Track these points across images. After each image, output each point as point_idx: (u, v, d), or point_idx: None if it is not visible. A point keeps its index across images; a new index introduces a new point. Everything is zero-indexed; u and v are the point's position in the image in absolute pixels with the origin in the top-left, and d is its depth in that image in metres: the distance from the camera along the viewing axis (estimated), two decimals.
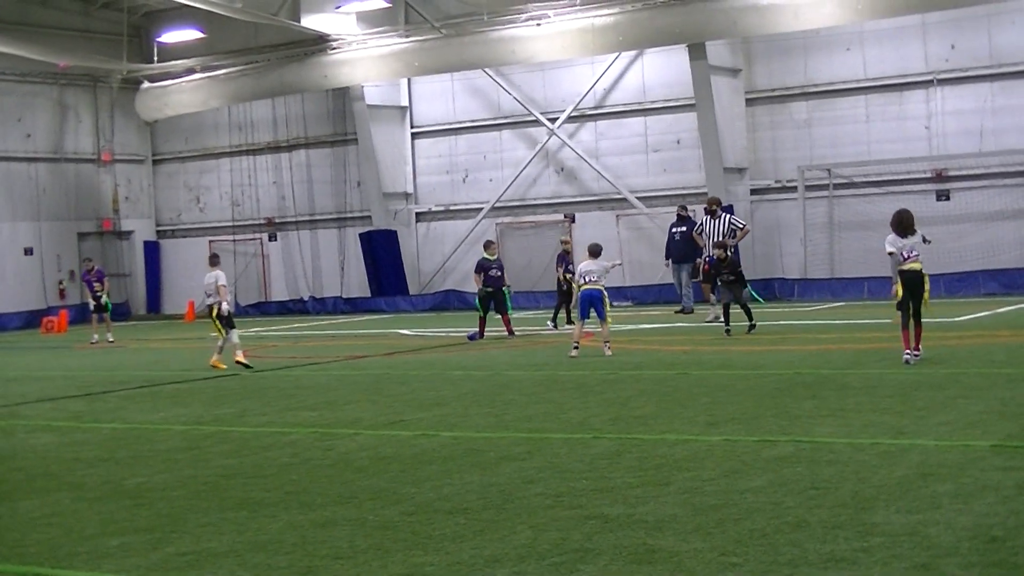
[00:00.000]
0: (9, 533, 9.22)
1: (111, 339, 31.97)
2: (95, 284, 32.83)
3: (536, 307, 37.30)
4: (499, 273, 27.15)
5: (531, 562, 7.58)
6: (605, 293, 21.18)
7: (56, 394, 19.49)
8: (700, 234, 29.21)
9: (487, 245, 28.18)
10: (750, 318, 23.96)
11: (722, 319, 24.20)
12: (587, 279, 21.26)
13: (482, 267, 27.21)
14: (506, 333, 26.55)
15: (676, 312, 31.38)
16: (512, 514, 8.91)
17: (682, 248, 30.90)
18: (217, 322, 22.47)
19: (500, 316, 26.95)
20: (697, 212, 31.21)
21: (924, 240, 17.64)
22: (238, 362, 21.95)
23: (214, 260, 23.84)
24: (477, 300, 27.39)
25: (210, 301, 22.63)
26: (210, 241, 46.14)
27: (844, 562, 7.19)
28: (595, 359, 20.30)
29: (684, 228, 30.96)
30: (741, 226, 28.59)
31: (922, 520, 8.04)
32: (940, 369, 16.45)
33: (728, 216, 28.88)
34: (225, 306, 22.47)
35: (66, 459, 12.73)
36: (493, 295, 26.95)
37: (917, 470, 9.70)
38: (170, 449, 12.99)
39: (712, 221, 28.72)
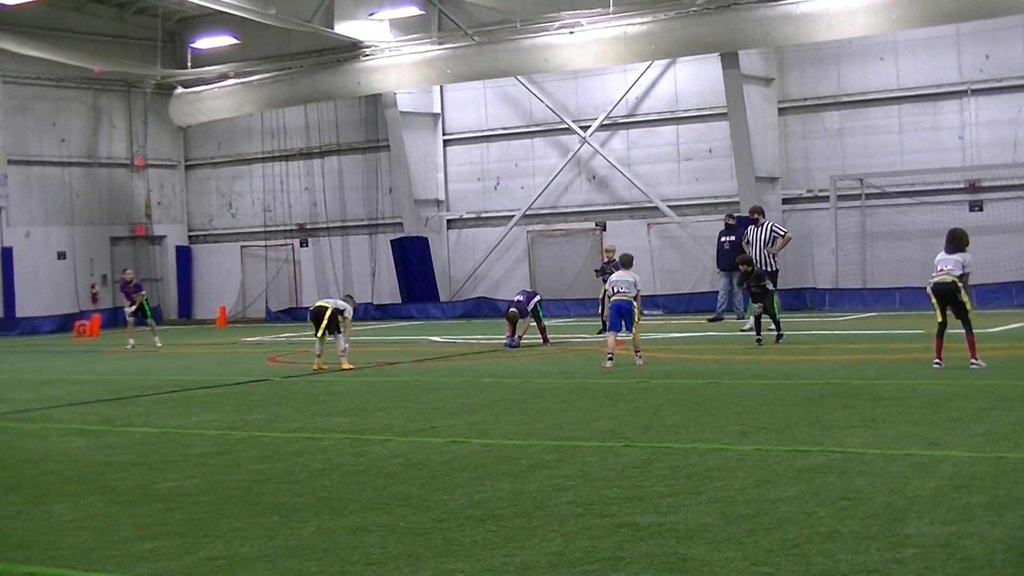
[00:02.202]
0: (42, 536, 9.27)
1: (159, 343, 31.79)
2: (133, 295, 32.57)
3: (566, 315, 37.30)
4: (522, 299, 27.00)
5: (562, 570, 7.58)
6: (635, 304, 21.12)
7: (88, 398, 19.58)
8: (747, 243, 29.25)
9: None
10: (778, 328, 23.99)
11: (760, 328, 24.18)
12: (616, 289, 21.25)
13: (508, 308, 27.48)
14: (540, 341, 26.55)
15: (709, 320, 31.41)
16: (543, 522, 8.91)
17: (731, 256, 31.00)
18: (333, 325, 22.62)
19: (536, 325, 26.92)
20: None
21: (963, 270, 17.79)
22: (343, 368, 22.31)
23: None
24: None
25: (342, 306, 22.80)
26: (242, 247, 46.34)
27: (876, 573, 7.16)
28: (626, 367, 20.28)
29: (733, 237, 31.03)
30: (782, 234, 28.53)
31: (955, 532, 8.01)
32: (973, 380, 16.38)
33: (771, 224, 28.84)
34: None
35: (98, 462, 12.78)
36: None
37: (950, 481, 9.66)
38: (202, 454, 13.03)
39: (756, 229, 28.75)
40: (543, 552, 8.02)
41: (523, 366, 21.88)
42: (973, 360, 17.70)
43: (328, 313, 22.55)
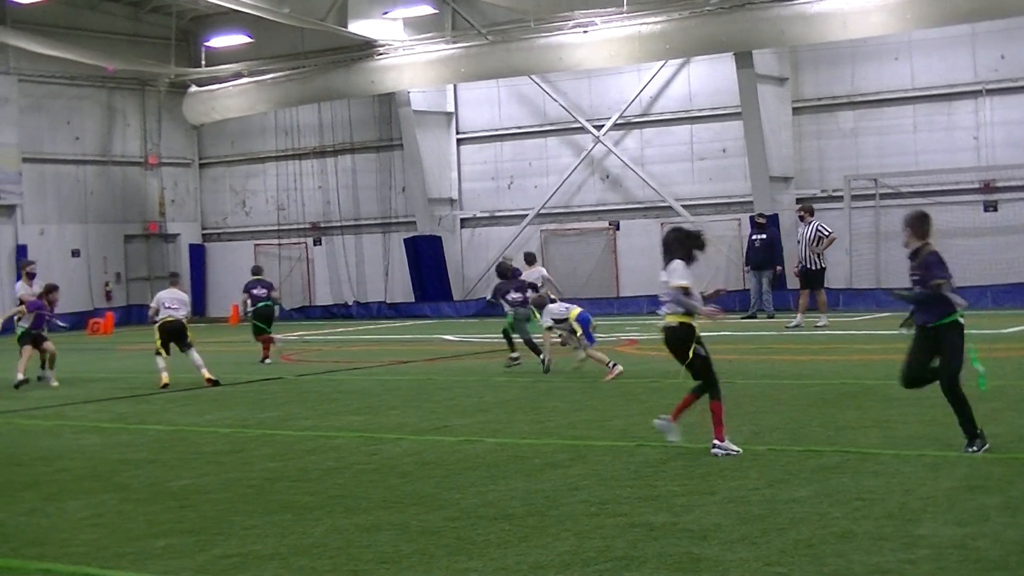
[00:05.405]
0: (57, 533, 9.30)
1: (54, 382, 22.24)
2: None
3: None
4: (265, 292, 26.48)
5: (575, 569, 7.58)
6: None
7: (102, 396, 19.63)
8: (797, 242, 29.33)
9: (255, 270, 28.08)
10: (512, 348, 21.51)
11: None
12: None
13: (248, 287, 26.96)
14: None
15: (744, 318, 31.48)
16: (556, 521, 8.91)
17: (761, 255, 31.23)
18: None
19: (263, 335, 25.86)
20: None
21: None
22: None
23: (175, 279, 23.76)
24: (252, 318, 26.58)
25: (182, 314, 21.48)
26: (255, 245, 46.36)
27: (890, 574, 7.16)
28: (639, 367, 20.25)
29: (764, 236, 31.15)
30: (827, 234, 28.52)
31: (969, 533, 7.99)
32: (987, 381, 16.31)
33: (816, 223, 28.81)
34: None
35: (112, 460, 12.81)
36: (263, 314, 26.20)
37: (964, 482, 9.64)
38: (215, 452, 13.06)
39: (803, 228, 28.79)
40: (556, 551, 8.03)
41: (535, 366, 21.85)
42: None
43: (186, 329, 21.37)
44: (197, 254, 47.69)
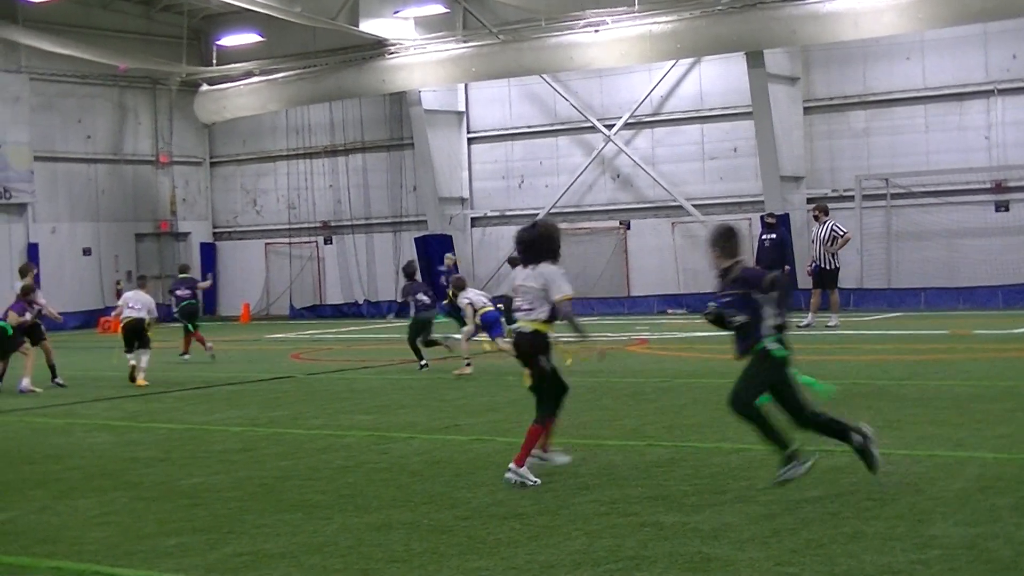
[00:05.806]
0: (67, 531, 9.31)
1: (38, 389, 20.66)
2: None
3: (590, 313, 37.24)
4: (189, 292, 27.15)
5: (586, 568, 7.58)
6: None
7: (112, 394, 19.65)
8: (812, 241, 29.36)
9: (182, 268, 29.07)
10: (420, 357, 22.45)
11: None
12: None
13: (172, 290, 27.75)
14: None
15: None
16: (567, 520, 8.91)
17: (771, 255, 31.13)
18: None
19: (190, 333, 26.57)
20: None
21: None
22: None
23: (142, 281, 23.93)
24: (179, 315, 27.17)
25: (143, 314, 21.84)
26: (266, 244, 46.42)
27: (901, 574, 7.14)
28: (649, 366, 20.23)
29: (774, 235, 31.13)
30: (842, 233, 28.50)
31: (981, 533, 7.98)
32: (997, 382, 16.31)
33: (831, 223, 28.78)
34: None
35: (123, 458, 12.83)
36: (187, 312, 26.86)
37: (975, 483, 9.62)
38: (225, 450, 13.07)
39: (818, 227, 28.80)
40: (567, 550, 8.03)
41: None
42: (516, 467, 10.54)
43: (145, 325, 21.73)
44: (208, 253, 47.74)
